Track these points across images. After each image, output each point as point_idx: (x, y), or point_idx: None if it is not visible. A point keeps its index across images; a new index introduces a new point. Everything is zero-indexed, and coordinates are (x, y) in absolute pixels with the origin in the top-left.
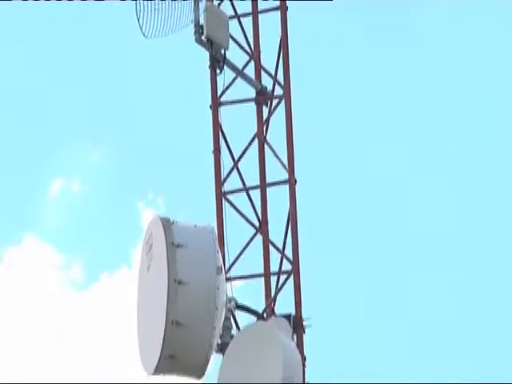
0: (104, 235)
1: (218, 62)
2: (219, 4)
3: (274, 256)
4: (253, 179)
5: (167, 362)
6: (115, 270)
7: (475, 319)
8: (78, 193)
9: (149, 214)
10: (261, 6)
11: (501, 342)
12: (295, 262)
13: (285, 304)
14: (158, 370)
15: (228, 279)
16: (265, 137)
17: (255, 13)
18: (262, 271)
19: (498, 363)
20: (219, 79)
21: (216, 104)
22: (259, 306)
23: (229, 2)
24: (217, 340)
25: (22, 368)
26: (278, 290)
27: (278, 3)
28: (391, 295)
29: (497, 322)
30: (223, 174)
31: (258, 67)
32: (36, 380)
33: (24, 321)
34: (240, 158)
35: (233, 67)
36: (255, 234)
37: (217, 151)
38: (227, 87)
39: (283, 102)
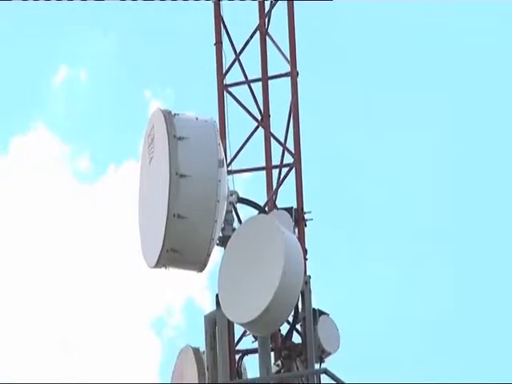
0: (111, 126)
1: None
2: None
3: (276, 149)
4: (254, 72)
5: (168, 255)
6: (122, 162)
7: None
8: (85, 82)
9: (155, 106)
10: None
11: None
12: (297, 155)
13: (286, 197)
14: (160, 262)
15: (229, 172)
16: (266, 30)
17: None
18: (263, 164)
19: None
20: None
21: None
22: (261, 199)
23: None
24: (218, 233)
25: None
26: (279, 184)
27: None
28: (391, 185)
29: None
30: (225, 66)
31: None
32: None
33: (27, 218)
34: (242, 50)
35: None
36: (257, 127)
37: (219, 43)
38: None
39: None
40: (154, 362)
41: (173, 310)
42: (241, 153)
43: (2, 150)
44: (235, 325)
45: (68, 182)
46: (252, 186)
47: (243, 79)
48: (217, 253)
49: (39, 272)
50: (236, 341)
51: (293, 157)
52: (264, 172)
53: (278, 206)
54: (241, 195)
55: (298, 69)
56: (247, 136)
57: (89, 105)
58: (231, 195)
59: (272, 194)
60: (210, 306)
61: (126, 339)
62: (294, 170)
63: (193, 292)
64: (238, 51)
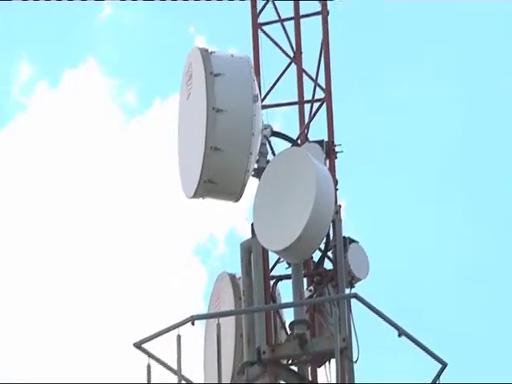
0: (157, 61)
1: None
2: None
3: (308, 85)
4: (287, 11)
5: (206, 186)
6: (167, 96)
7: None
8: (133, 19)
9: (198, 42)
10: None
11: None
12: (328, 91)
13: (318, 131)
14: (197, 193)
15: (264, 107)
16: None
17: None
18: (296, 99)
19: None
20: None
21: None
22: (293, 132)
23: None
24: (253, 165)
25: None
26: (311, 118)
27: None
28: (420, 118)
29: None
30: (259, 5)
31: None
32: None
33: (76, 149)
34: None
35: None
36: (289, 64)
37: None
38: None
39: None
40: (199, 289)
41: (216, 240)
42: (274, 88)
43: (53, 84)
44: (269, 252)
45: (115, 114)
46: (285, 121)
47: (276, 18)
48: (251, 183)
49: (90, 195)
50: (270, 267)
51: (324, 92)
52: (296, 107)
53: (310, 139)
54: (274, 129)
55: (328, 8)
56: (280, 72)
57: (136, 41)
58: (265, 129)
59: (304, 127)
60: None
61: (172, 266)
62: (324, 104)
63: (235, 223)
64: None
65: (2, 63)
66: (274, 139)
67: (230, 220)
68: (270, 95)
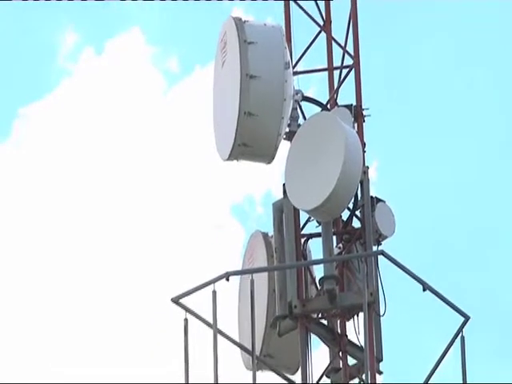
0: (197, 29)
1: None
2: None
3: (337, 52)
4: None
5: (240, 149)
6: (207, 63)
7: None
8: None
9: (235, 11)
10: None
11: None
12: (356, 57)
13: (346, 96)
14: (232, 156)
15: (295, 73)
16: None
17: None
18: (326, 66)
19: None
20: None
21: None
22: (323, 97)
23: None
24: (285, 128)
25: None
26: (340, 83)
27: None
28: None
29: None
30: None
31: None
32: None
33: (119, 113)
34: None
35: None
36: (319, 33)
37: None
38: None
39: None
40: (237, 247)
41: (253, 202)
42: (305, 56)
43: (98, 51)
44: (300, 211)
45: (157, 80)
46: (315, 86)
47: None
48: (283, 146)
49: (134, 157)
50: (301, 226)
51: (352, 59)
52: (326, 73)
53: (339, 103)
54: (305, 94)
55: None
56: (311, 40)
57: (178, 10)
58: (296, 94)
59: (333, 92)
60: None
61: (211, 225)
62: (353, 70)
63: (271, 185)
64: None
65: (50, 32)
66: (304, 104)
67: (267, 182)
68: (301, 62)
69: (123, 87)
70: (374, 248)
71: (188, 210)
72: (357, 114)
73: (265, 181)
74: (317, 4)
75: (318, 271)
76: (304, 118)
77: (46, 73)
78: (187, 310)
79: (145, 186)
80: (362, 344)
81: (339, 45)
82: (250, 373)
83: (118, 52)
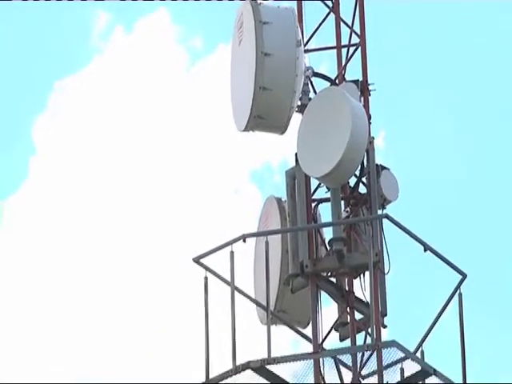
0: (221, 9)
1: None
2: None
3: (345, 31)
4: None
5: (255, 121)
6: (229, 41)
7: None
8: None
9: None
10: None
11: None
12: (362, 36)
13: (354, 72)
14: (248, 127)
15: (306, 51)
16: None
17: None
18: (334, 44)
19: None
20: None
21: None
22: (332, 73)
23: None
24: (297, 102)
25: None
26: (347, 60)
27: None
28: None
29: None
30: None
31: None
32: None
33: (146, 90)
34: None
35: None
36: (329, 13)
37: None
38: None
39: None
40: (254, 211)
41: (271, 169)
42: (315, 35)
43: (127, 30)
44: (311, 178)
45: (182, 57)
46: (325, 63)
47: None
48: (296, 118)
49: (158, 126)
50: (312, 191)
51: (359, 37)
52: (335, 51)
53: (347, 79)
54: (315, 70)
55: None
56: (321, 20)
57: None
58: (307, 70)
59: (341, 69)
60: None
61: (230, 190)
62: (359, 48)
63: (288, 154)
64: None
65: (84, 11)
66: (315, 79)
67: (284, 151)
68: (311, 41)
69: (150, 64)
70: (379, 212)
71: (210, 176)
72: (363, 88)
73: (282, 150)
74: None
75: (328, 233)
76: (314, 92)
77: (81, 50)
78: (207, 268)
79: (170, 154)
80: (368, 300)
81: (347, 25)
82: (265, 326)
83: (146, 31)
